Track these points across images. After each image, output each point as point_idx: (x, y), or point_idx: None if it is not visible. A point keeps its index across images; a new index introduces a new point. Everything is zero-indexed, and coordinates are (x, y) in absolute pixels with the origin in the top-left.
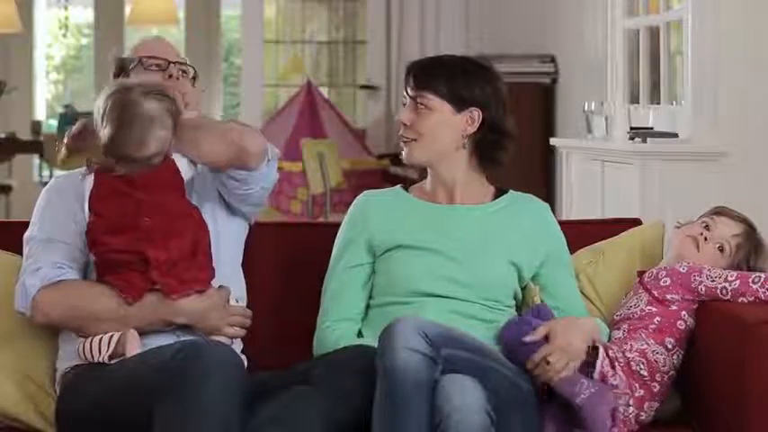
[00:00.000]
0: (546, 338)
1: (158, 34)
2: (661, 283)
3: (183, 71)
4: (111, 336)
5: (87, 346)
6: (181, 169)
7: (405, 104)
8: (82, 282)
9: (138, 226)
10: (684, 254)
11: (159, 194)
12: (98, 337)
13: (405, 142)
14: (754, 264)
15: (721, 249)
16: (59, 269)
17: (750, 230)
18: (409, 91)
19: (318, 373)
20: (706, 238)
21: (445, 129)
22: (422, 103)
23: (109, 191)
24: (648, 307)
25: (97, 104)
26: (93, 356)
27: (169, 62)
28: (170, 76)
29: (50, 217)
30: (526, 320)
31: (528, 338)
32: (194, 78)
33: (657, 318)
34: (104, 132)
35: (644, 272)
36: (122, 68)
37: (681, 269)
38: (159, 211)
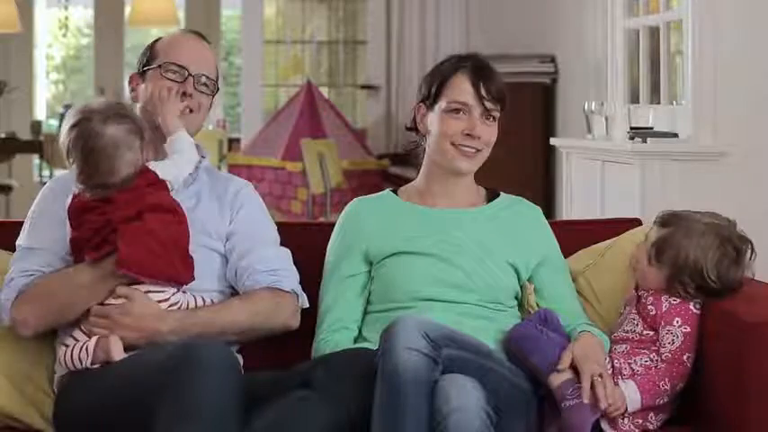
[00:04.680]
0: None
1: (192, 33)
2: (650, 313)
3: (204, 84)
4: (86, 342)
5: (68, 355)
6: (161, 173)
7: (460, 111)
8: (44, 279)
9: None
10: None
11: (136, 208)
12: (79, 345)
13: (468, 154)
14: (687, 246)
15: (649, 261)
16: (30, 277)
17: (677, 228)
18: (485, 103)
19: (318, 376)
20: (637, 261)
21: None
22: (493, 116)
23: (82, 209)
24: (646, 332)
25: (62, 132)
26: (74, 365)
27: (188, 74)
28: (184, 94)
29: (36, 223)
30: (535, 326)
31: (560, 367)
32: (214, 91)
33: (658, 342)
34: (73, 166)
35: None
36: (142, 64)
37: (662, 306)
38: (132, 228)
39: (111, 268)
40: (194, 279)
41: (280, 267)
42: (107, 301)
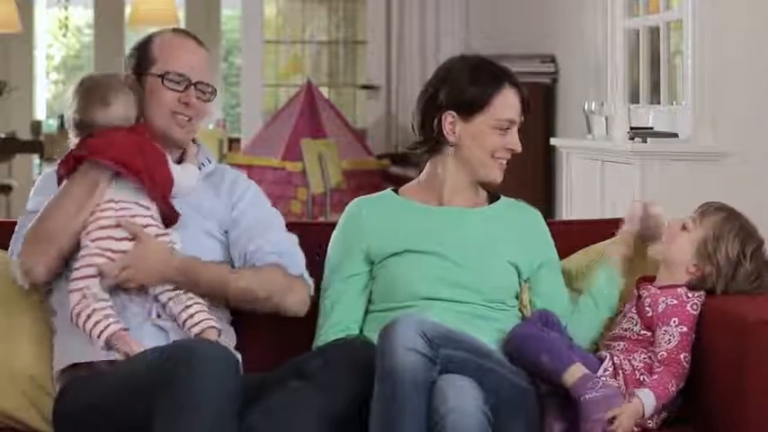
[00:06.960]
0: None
1: (187, 34)
2: (646, 314)
3: (203, 91)
4: (105, 326)
5: (82, 321)
6: (185, 176)
7: (507, 128)
8: (36, 219)
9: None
10: (653, 252)
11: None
12: (93, 319)
13: (503, 166)
14: (730, 243)
15: (684, 227)
16: None
17: (728, 209)
18: (521, 116)
19: (314, 366)
20: (669, 224)
21: None
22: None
23: (69, 168)
24: (643, 331)
25: (69, 92)
26: (84, 329)
27: (190, 83)
28: (186, 104)
29: (39, 191)
30: (535, 326)
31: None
32: (212, 98)
33: (655, 343)
34: (71, 109)
35: (644, 279)
36: (139, 65)
37: (659, 307)
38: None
39: (84, 169)
40: (173, 196)
41: (286, 251)
42: (117, 247)
